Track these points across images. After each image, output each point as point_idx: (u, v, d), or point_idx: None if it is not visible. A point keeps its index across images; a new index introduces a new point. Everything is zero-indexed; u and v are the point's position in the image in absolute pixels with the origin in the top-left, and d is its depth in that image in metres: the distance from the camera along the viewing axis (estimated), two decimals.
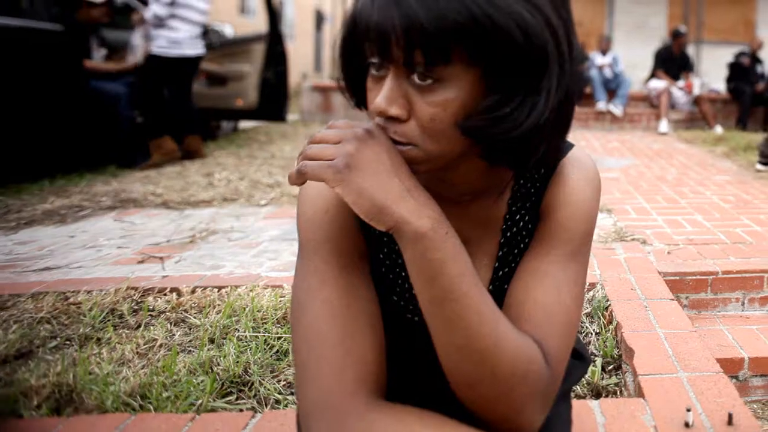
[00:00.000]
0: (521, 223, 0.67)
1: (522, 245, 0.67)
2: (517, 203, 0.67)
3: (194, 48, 4.39)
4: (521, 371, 0.55)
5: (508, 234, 0.67)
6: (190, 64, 4.40)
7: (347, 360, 0.57)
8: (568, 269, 0.62)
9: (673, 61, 7.08)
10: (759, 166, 4.00)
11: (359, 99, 0.62)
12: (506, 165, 0.58)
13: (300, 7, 16.50)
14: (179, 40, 4.22)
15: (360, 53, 0.56)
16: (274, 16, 5.52)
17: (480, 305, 0.54)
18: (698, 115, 6.98)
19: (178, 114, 4.44)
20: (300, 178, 0.53)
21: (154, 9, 4.11)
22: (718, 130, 6.40)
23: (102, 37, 4.48)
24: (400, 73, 0.52)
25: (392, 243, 0.66)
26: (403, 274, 0.66)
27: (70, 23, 3.97)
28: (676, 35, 7.11)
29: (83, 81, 4.06)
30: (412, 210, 0.52)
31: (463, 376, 0.56)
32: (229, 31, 7.43)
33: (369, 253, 0.66)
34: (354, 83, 0.61)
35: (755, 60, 7.10)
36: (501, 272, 0.67)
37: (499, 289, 0.67)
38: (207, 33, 6.20)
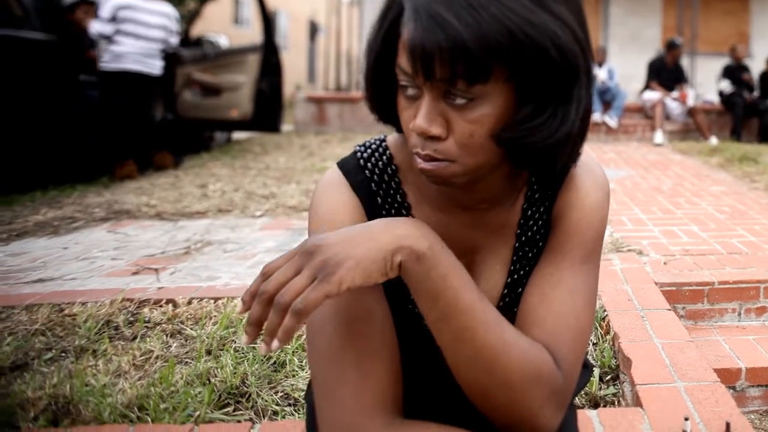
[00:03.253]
0: (534, 228, 0.69)
1: (535, 250, 0.69)
2: (531, 208, 0.69)
3: (142, 65, 4.30)
4: (532, 375, 0.57)
5: (523, 239, 0.69)
6: (137, 81, 4.29)
7: (364, 382, 0.58)
8: (581, 273, 0.64)
9: (667, 73, 7.19)
10: None
11: (384, 113, 0.64)
12: (535, 171, 0.62)
13: (294, 18, 16.63)
14: (121, 54, 4.19)
15: (390, 71, 0.58)
16: (269, 26, 5.58)
17: (485, 315, 0.56)
18: (693, 126, 7.07)
19: (140, 132, 4.44)
20: (288, 334, 0.50)
21: (97, 27, 4.12)
22: (713, 141, 6.49)
23: (82, 44, 4.48)
24: (438, 93, 0.54)
25: None
26: None
27: (62, 33, 4.00)
28: (670, 47, 7.22)
29: (78, 91, 4.08)
30: (405, 236, 0.55)
31: (476, 386, 0.57)
32: (223, 41, 7.48)
33: None
34: (379, 98, 0.63)
35: (742, 69, 7.21)
36: (515, 276, 0.69)
37: (513, 294, 0.69)
38: (201, 44, 6.27)
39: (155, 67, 4.42)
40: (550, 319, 0.62)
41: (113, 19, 4.14)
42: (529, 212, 0.69)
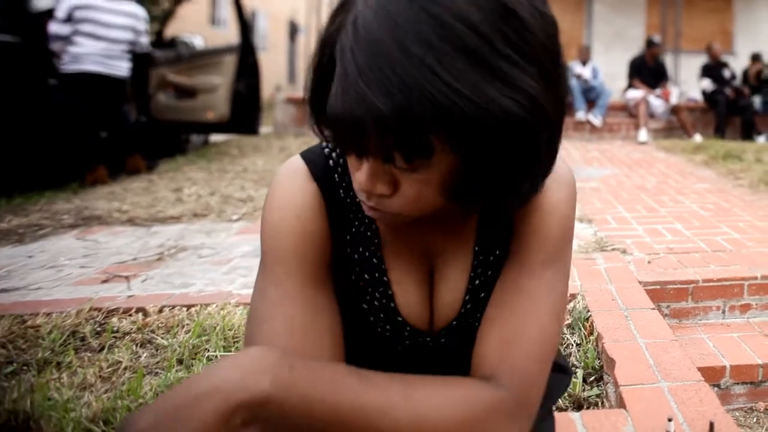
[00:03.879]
0: (494, 228, 0.67)
1: (497, 251, 0.67)
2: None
3: (103, 66, 4.17)
4: (468, 418, 0.54)
5: (481, 242, 0.67)
6: (98, 83, 4.16)
7: None
8: (544, 279, 0.62)
9: (648, 70, 7.30)
10: None
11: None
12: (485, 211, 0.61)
13: (273, 18, 16.58)
14: (80, 55, 4.06)
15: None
16: (245, 26, 5.55)
17: (373, 401, 0.52)
18: (677, 124, 7.18)
19: (108, 136, 4.36)
20: None
21: (53, 29, 4.00)
22: (697, 138, 6.59)
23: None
24: (380, 157, 0.50)
25: (370, 247, 0.66)
26: (376, 276, 0.66)
27: (29, 36, 3.92)
28: (649, 45, 7.34)
29: (45, 95, 4.01)
30: (235, 384, 0.46)
31: None
32: (198, 42, 7.42)
33: (339, 259, 0.65)
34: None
35: (720, 66, 7.35)
36: (476, 281, 0.67)
37: (476, 298, 0.67)
38: (175, 45, 6.21)
39: (119, 68, 4.30)
40: (509, 329, 0.60)
41: (69, 20, 4.02)
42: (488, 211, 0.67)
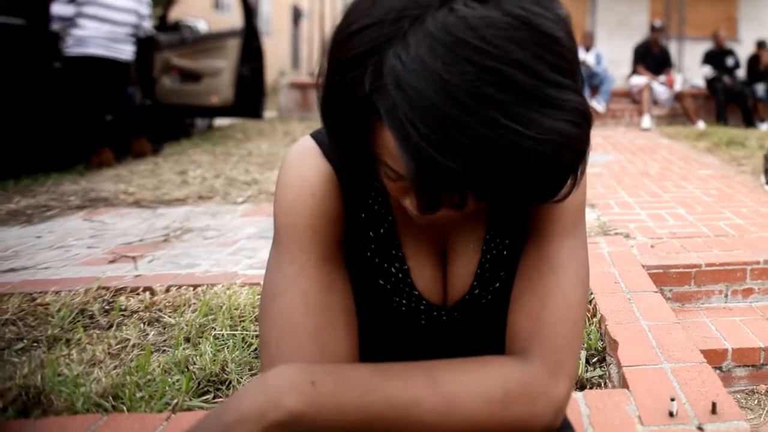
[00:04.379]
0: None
1: (510, 227, 0.67)
2: None
3: (108, 50, 4.13)
4: (499, 396, 0.55)
5: (493, 215, 0.67)
6: (103, 66, 4.13)
7: (322, 356, 0.56)
8: (564, 248, 0.63)
9: (652, 57, 7.23)
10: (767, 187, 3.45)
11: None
12: None
13: (276, 3, 16.43)
14: (84, 38, 4.02)
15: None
16: (249, 11, 5.50)
17: (401, 394, 0.53)
18: (680, 111, 7.12)
19: (114, 119, 4.33)
20: None
21: (56, 10, 3.95)
22: (701, 125, 6.54)
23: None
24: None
25: (384, 224, 0.66)
26: (392, 253, 0.66)
27: (32, 17, 3.89)
28: (652, 29, 7.27)
29: (50, 76, 3.98)
30: (261, 408, 0.48)
31: None
32: (202, 26, 7.37)
33: (353, 237, 0.65)
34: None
35: (724, 53, 7.27)
36: (489, 255, 0.67)
37: (489, 272, 0.67)
38: (179, 29, 6.16)
39: (124, 52, 4.27)
40: (535, 303, 0.61)
41: (72, 1, 3.99)
42: None
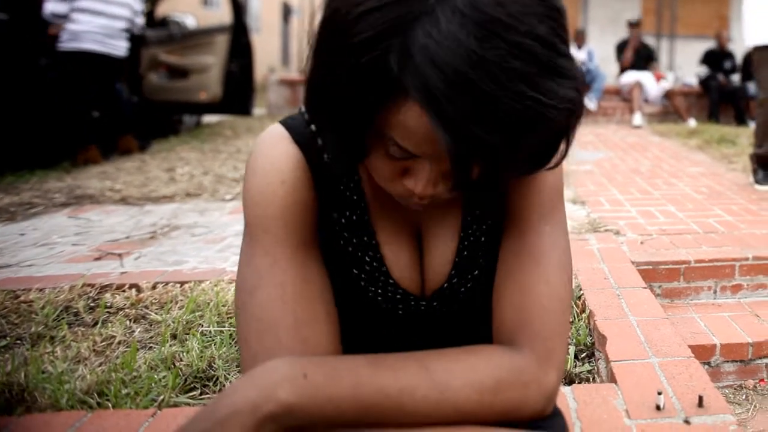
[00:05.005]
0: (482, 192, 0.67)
1: (486, 212, 0.67)
2: None
3: (102, 45, 4.12)
4: (490, 384, 0.56)
5: (469, 202, 0.67)
6: (97, 62, 4.12)
7: (304, 349, 0.56)
8: (543, 235, 0.63)
9: (635, 53, 7.30)
10: (758, 186, 3.32)
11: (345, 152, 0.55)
12: None
13: None
14: (78, 32, 4.02)
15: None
16: (238, 7, 5.48)
17: (393, 383, 0.54)
18: (671, 109, 7.19)
19: (103, 116, 4.32)
20: None
21: (49, 8, 3.94)
22: (692, 123, 6.61)
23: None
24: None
25: (356, 211, 0.65)
26: (365, 240, 0.66)
27: (15, 12, 3.85)
28: (629, 25, 7.35)
29: (35, 72, 3.95)
30: (254, 401, 0.50)
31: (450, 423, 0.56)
32: (190, 22, 7.33)
33: (325, 225, 0.65)
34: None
35: (724, 55, 7.35)
36: (467, 242, 0.67)
37: (467, 259, 0.67)
38: (167, 25, 6.13)
39: (118, 48, 4.25)
40: (516, 294, 0.61)
41: None
42: None
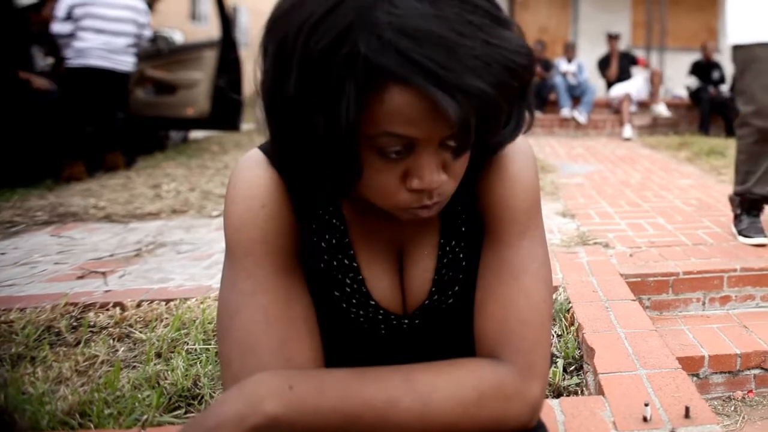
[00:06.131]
0: (459, 207, 0.69)
1: (463, 228, 0.69)
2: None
3: (108, 61, 4.27)
4: (473, 396, 0.58)
5: (447, 220, 0.69)
6: (102, 78, 4.26)
7: (287, 368, 0.57)
8: (522, 248, 0.65)
9: (618, 64, 7.45)
10: (742, 239, 2.50)
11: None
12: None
13: (255, 13, 16.50)
14: (84, 50, 4.18)
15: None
16: (227, 21, 5.53)
17: (378, 395, 0.55)
18: (662, 121, 7.31)
19: (98, 131, 4.40)
20: None
21: (55, 28, 4.12)
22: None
23: (55, 44, 4.38)
24: (435, 144, 0.53)
25: (336, 234, 0.67)
26: (345, 263, 0.67)
27: None
28: (610, 38, 7.52)
29: (18, 91, 3.96)
30: (240, 413, 0.51)
31: None
32: (178, 37, 7.37)
33: (305, 248, 0.66)
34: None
35: (711, 66, 7.49)
36: (445, 259, 0.69)
37: (446, 276, 0.69)
38: (153, 41, 6.17)
39: (124, 63, 4.41)
40: (498, 309, 0.63)
41: (69, 18, 4.13)
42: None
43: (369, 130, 0.51)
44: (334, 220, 0.67)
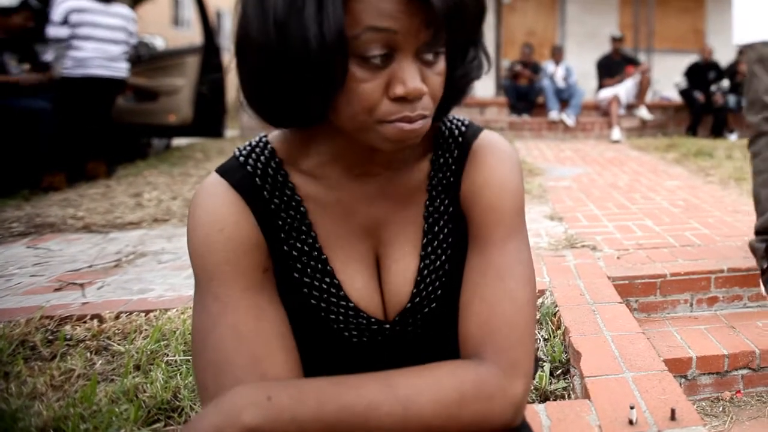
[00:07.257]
0: (442, 208, 0.70)
1: (446, 230, 0.70)
2: (436, 187, 0.70)
3: (107, 69, 4.37)
4: (454, 397, 0.58)
5: (430, 220, 0.70)
6: (101, 86, 4.36)
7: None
8: (507, 251, 0.66)
9: (616, 66, 7.52)
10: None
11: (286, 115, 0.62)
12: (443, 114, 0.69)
13: None
14: (84, 59, 4.25)
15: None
16: (209, 26, 5.53)
17: (358, 401, 0.56)
18: (651, 123, 7.39)
19: (85, 139, 4.44)
20: None
21: (51, 32, 4.15)
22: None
23: (28, 51, 4.35)
24: (413, 51, 0.57)
25: (307, 240, 0.67)
26: (319, 267, 0.67)
27: None
28: (613, 40, 7.59)
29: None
30: (219, 425, 0.52)
31: None
32: (160, 43, 7.36)
33: (278, 260, 0.66)
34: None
35: (708, 67, 7.58)
36: (428, 260, 0.69)
37: (429, 278, 0.69)
38: (136, 48, 6.15)
39: (120, 69, 4.51)
40: (484, 310, 0.64)
41: (65, 23, 4.16)
42: (434, 192, 0.70)
43: (352, 30, 0.53)
44: (303, 228, 0.67)
